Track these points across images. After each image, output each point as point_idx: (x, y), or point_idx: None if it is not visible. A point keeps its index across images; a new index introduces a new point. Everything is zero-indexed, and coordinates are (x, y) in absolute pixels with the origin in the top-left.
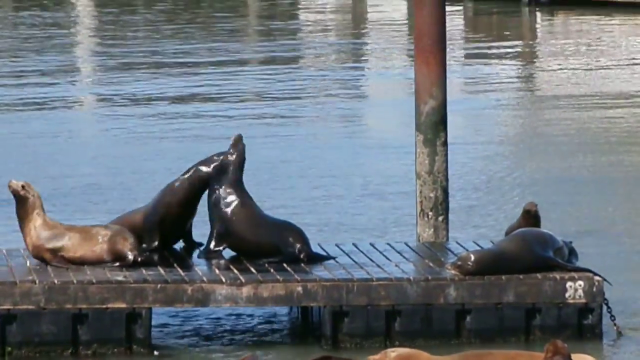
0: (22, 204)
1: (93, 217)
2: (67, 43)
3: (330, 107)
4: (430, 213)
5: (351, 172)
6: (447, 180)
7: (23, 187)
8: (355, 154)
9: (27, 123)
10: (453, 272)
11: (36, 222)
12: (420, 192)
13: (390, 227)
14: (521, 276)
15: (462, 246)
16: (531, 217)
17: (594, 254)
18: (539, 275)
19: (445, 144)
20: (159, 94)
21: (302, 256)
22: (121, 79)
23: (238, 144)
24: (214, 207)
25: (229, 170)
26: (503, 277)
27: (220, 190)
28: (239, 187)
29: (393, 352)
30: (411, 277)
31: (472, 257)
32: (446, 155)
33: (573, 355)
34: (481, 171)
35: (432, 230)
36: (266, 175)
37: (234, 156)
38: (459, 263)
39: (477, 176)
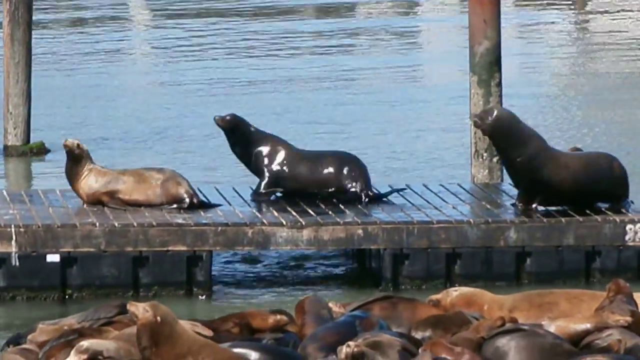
0: (77, 161)
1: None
2: None
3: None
4: (485, 154)
5: (404, 114)
6: None
7: (78, 145)
8: (410, 98)
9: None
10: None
11: (90, 174)
12: (475, 133)
13: (440, 168)
14: (581, 219)
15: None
16: None
17: None
18: (598, 218)
19: (499, 84)
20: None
21: (364, 195)
22: None
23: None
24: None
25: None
26: (563, 219)
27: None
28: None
29: (455, 290)
30: (471, 220)
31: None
32: (501, 96)
33: (635, 295)
34: (532, 114)
35: (487, 171)
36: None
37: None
38: (478, 117)
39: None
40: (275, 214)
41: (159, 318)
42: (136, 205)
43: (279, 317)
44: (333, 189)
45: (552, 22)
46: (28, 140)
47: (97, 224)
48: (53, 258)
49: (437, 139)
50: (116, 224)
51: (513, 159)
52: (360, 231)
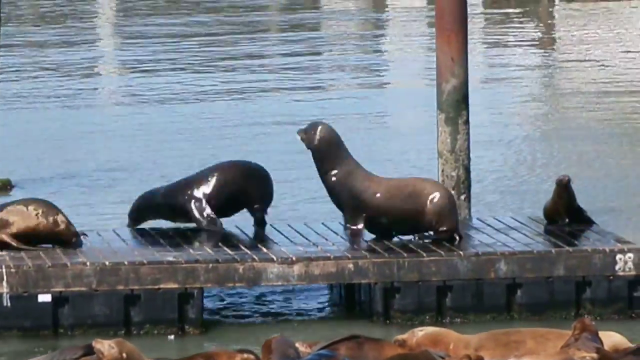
0: None
1: None
2: None
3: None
4: (453, 192)
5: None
6: (469, 158)
7: None
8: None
9: None
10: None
11: None
12: (442, 170)
13: None
14: (571, 249)
15: (483, 222)
16: (562, 188)
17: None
18: (588, 249)
19: (467, 122)
20: None
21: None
22: None
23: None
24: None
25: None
26: (553, 250)
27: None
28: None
29: (421, 331)
30: (462, 252)
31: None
32: (468, 133)
33: (601, 333)
34: (501, 152)
35: None
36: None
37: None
38: (304, 131)
39: (498, 156)
40: (265, 250)
41: (124, 354)
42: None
43: (245, 356)
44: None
45: (519, 65)
46: None
47: (88, 263)
48: (45, 298)
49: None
50: (107, 263)
51: (331, 176)
52: (350, 265)
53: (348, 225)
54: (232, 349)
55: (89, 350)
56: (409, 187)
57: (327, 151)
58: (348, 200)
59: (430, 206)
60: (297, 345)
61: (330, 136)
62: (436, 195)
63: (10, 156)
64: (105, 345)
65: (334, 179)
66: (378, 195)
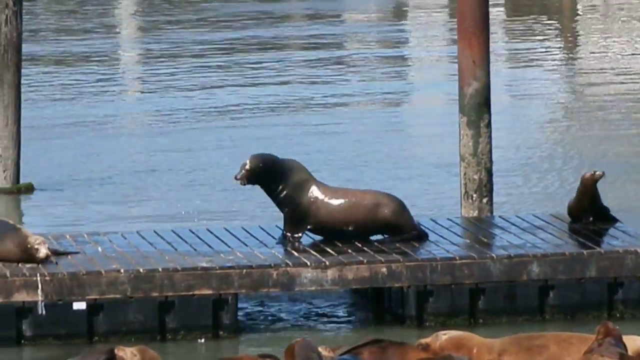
0: None
1: None
2: None
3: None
4: (475, 195)
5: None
6: (491, 161)
7: None
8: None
9: None
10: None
11: None
12: (465, 174)
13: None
14: (602, 250)
15: (507, 220)
16: (590, 185)
17: None
18: (620, 250)
19: (489, 125)
20: None
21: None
22: None
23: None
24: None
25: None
26: (584, 252)
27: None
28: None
29: (444, 334)
30: (494, 255)
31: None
32: (490, 136)
33: (625, 337)
34: (524, 153)
35: (477, 212)
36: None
37: None
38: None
39: (520, 158)
40: (297, 254)
41: None
42: None
43: None
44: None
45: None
46: (18, 183)
47: (122, 271)
48: (79, 306)
49: (426, 177)
50: (141, 270)
51: (278, 193)
52: (384, 269)
53: (287, 233)
54: (256, 354)
55: (111, 356)
56: (357, 198)
57: (266, 176)
58: (295, 210)
59: (376, 219)
60: (320, 349)
61: (262, 161)
62: (385, 210)
63: (33, 159)
64: (127, 353)
65: (284, 195)
66: (328, 206)
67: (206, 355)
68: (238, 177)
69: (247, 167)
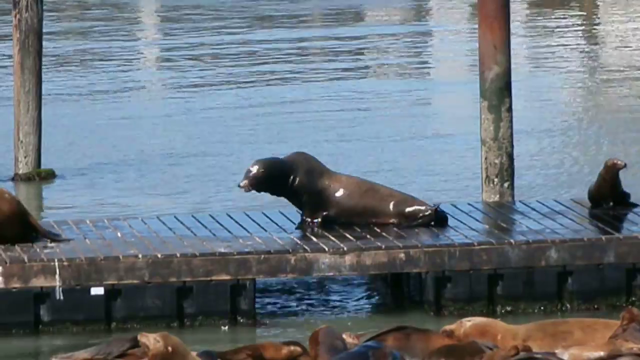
0: None
1: None
2: None
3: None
4: (496, 179)
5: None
6: (512, 146)
7: None
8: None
9: None
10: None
11: None
12: (486, 158)
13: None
14: (621, 236)
15: (527, 205)
16: (612, 171)
17: None
18: (638, 235)
19: (510, 109)
20: None
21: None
22: None
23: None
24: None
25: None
26: (603, 237)
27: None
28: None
29: (469, 321)
30: (512, 241)
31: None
32: (511, 121)
33: None
34: (544, 136)
35: (498, 196)
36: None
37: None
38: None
39: (540, 142)
40: (315, 240)
41: (169, 348)
42: None
43: (292, 348)
44: None
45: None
46: (39, 168)
47: (140, 256)
48: (97, 291)
49: (447, 163)
50: (159, 255)
51: (291, 183)
52: (402, 255)
53: (305, 218)
54: (279, 341)
55: (136, 343)
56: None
57: (273, 179)
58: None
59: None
60: (344, 336)
61: (265, 166)
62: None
63: (54, 146)
64: (150, 339)
65: (296, 186)
66: (341, 193)
67: (227, 339)
68: (241, 184)
69: (252, 173)
